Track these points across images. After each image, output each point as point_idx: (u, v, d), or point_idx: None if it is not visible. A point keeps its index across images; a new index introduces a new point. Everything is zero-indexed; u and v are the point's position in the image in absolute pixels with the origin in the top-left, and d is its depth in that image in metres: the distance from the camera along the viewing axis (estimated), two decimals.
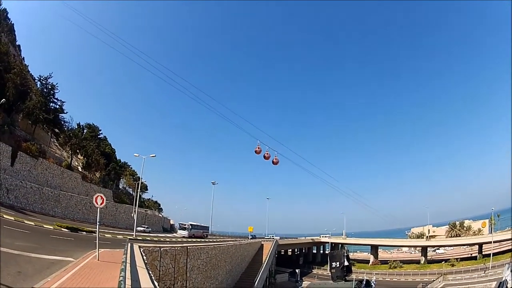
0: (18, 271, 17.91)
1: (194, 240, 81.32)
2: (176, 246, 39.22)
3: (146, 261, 25.01)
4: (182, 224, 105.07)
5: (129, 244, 27.75)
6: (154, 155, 73.55)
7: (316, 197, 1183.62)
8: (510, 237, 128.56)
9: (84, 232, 51.57)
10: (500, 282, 61.42)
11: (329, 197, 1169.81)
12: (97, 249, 26.24)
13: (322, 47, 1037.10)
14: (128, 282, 12.52)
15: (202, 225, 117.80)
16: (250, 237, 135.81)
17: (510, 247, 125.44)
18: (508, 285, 52.44)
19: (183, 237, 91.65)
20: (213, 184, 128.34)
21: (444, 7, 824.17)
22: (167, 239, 57.26)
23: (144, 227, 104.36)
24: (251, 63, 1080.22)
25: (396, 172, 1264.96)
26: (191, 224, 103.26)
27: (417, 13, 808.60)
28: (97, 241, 26.25)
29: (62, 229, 49.70)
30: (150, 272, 20.55)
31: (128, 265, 17.28)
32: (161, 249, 34.16)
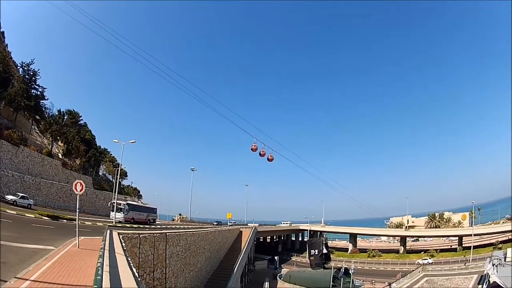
0: (3, 262, 17.64)
1: (172, 226, 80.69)
2: (155, 233, 38.98)
3: (125, 248, 24.84)
4: (116, 203, 73.81)
5: (108, 231, 27.58)
6: (133, 141, 72.97)
7: (296, 185, 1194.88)
8: (491, 231, 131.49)
9: (65, 220, 51.08)
10: (482, 276, 62.55)
11: (308, 185, 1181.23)
12: (77, 237, 26.11)
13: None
14: (106, 268, 12.35)
15: (146, 205, 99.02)
16: (215, 223, 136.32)
17: (491, 241, 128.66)
18: (490, 279, 53.38)
19: (119, 222, 69.29)
20: (192, 170, 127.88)
21: None
22: (146, 226, 56.76)
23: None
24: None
25: (376, 163, 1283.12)
26: (128, 204, 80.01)
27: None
28: (77, 229, 26.26)
29: (43, 217, 49.33)
30: (129, 259, 20.51)
31: (106, 252, 17.26)
32: (140, 235, 33.87)
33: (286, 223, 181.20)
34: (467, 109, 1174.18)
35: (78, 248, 25.18)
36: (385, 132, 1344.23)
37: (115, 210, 71.44)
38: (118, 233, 29.37)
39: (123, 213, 74.83)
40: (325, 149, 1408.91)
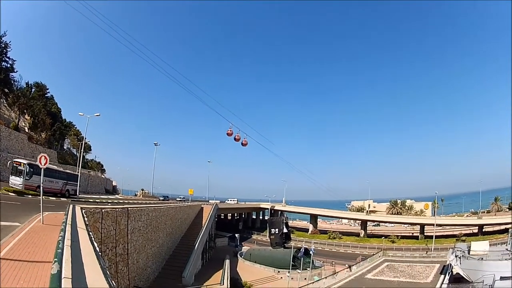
0: None
1: (133, 201, 78.95)
2: (117, 208, 37.99)
3: (87, 223, 24.15)
4: (14, 163, 58.95)
5: (70, 206, 26.71)
6: (98, 114, 71.68)
7: (260, 165, 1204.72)
8: (455, 223, 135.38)
9: (30, 196, 50.20)
10: (444, 266, 63.60)
11: (272, 165, 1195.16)
12: (41, 213, 25.57)
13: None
14: (68, 242, 12.11)
15: (61, 169, 72.96)
16: (161, 198, 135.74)
17: (454, 233, 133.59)
18: (452, 270, 54.26)
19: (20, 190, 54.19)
20: (156, 145, 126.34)
21: None
22: (109, 201, 55.57)
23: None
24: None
25: (339, 146, 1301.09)
26: (31, 165, 58.21)
27: None
28: (41, 205, 25.62)
29: (9, 193, 48.70)
30: (91, 233, 19.89)
31: (68, 226, 16.87)
32: (103, 210, 32.94)
33: (233, 200, 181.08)
34: (435, 99, 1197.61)
35: (43, 224, 24.80)
36: (352, 118, 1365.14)
37: (14, 174, 57.10)
38: (81, 208, 28.38)
39: (23, 177, 56.36)
40: (293, 133, 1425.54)
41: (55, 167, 68.74)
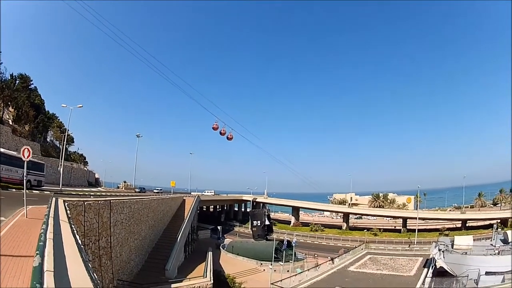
0: None
1: (115, 193, 77.92)
2: (100, 200, 37.52)
3: (69, 216, 23.84)
4: None
5: (53, 199, 26.46)
6: (81, 105, 70.65)
7: (242, 157, 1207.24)
8: (438, 217, 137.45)
9: (14, 189, 48.88)
10: (427, 259, 63.98)
11: (254, 158, 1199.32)
12: (25, 206, 24.85)
13: None
14: (50, 235, 11.92)
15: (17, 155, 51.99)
16: (137, 190, 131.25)
17: (436, 227, 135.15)
18: (436, 263, 54.60)
19: None
20: (138, 137, 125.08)
21: None
22: (92, 193, 54.74)
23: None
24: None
25: (323, 141, 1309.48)
26: None
27: None
28: (24, 198, 25.04)
29: None
30: (73, 226, 19.66)
31: (51, 219, 16.50)
32: (85, 203, 32.49)
33: (210, 192, 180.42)
34: (418, 94, 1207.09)
35: (26, 217, 24.15)
36: (334, 113, 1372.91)
37: None
38: (64, 201, 27.92)
39: None
40: (276, 127, 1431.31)
41: (14, 153, 57.76)
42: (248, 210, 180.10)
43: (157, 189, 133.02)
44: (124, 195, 68.16)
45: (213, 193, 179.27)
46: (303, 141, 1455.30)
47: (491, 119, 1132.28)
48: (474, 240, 61.29)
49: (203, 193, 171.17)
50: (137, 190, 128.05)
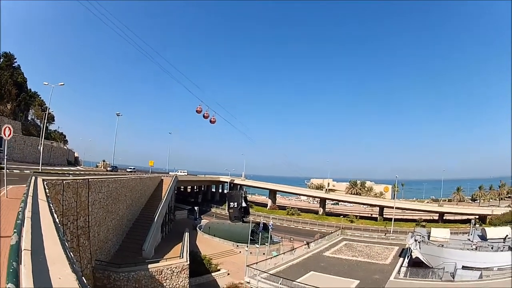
0: None
1: (94, 172, 77.02)
2: (78, 179, 37.00)
3: (48, 194, 23.52)
4: None
5: (32, 178, 25.81)
6: (62, 83, 69.42)
7: (220, 138, 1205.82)
8: (415, 208, 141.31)
9: None
10: (403, 249, 64.58)
11: (232, 138, 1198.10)
12: (5, 186, 24.59)
13: None
14: (28, 214, 11.89)
15: None
16: (109, 168, 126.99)
17: (413, 217, 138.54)
18: (412, 253, 55.13)
19: None
20: (118, 115, 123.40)
21: None
22: (70, 172, 54.00)
23: None
24: None
25: (303, 125, 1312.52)
26: None
27: None
28: (5, 178, 25.00)
29: None
30: (51, 205, 19.29)
31: (30, 198, 16.34)
32: (64, 182, 31.95)
33: (183, 172, 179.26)
34: (398, 82, 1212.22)
35: (7, 197, 23.77)
36: (316, 97, 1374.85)
37: None
38: (43, 180, 27.40)
39: None
40: (256, 109, 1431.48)
41: None
42: (225, 191, 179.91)
43: (130, 168, 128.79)
44: (102, 174, 67.76)
45: (186, 173, 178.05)
46: (282, 125, 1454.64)
47: (474, 118, 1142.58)
48: (451, 233, 61.89)
49: (175, 173, 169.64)
50: (108, 169, 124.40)
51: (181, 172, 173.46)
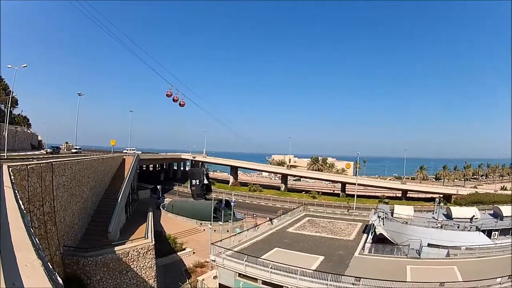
0: None
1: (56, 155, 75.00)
2: (42, 163, 36.12)
3: (13, 181, 23.09)
4: None
5: None
6: (25, 65, 67.41)
7: (181, 114, 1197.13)
8: (378, 185, 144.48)
9: None
10: (367, 225, 65.65)
11: (192, 115, 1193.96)
12: None
13: None
14: None
15: None
16: (49, 149, 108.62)
17: (376, 194, 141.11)
18: (375, 230, 56.15)
19: None
20: (79, 95, 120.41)
21: None
22: (34, 157, 52.66)
23: None
24: None
25: (260, 96, 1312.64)
26: None
27: None
28: None
29: None
30: (16, 191, 19.37)
31: None
32: (28, 167, 31.14)
33: (131, 150, 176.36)
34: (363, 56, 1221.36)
35: None
36: (277, 74, 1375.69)
37: None
38: (8, 166, 26.63)
39: None
40: (219, 85, 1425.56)
41: None
42: (187, 169, 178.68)
43: (76, 148, 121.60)
44: (65, 156, 66.73)
45: (134, 151, 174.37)
46: (243, 102, 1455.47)
47: (437, 97, 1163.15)
48: (414, 211, 63.00)
49: (123, 151, 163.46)
50: (48, 150, 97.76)
51: (129, 149, 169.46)
